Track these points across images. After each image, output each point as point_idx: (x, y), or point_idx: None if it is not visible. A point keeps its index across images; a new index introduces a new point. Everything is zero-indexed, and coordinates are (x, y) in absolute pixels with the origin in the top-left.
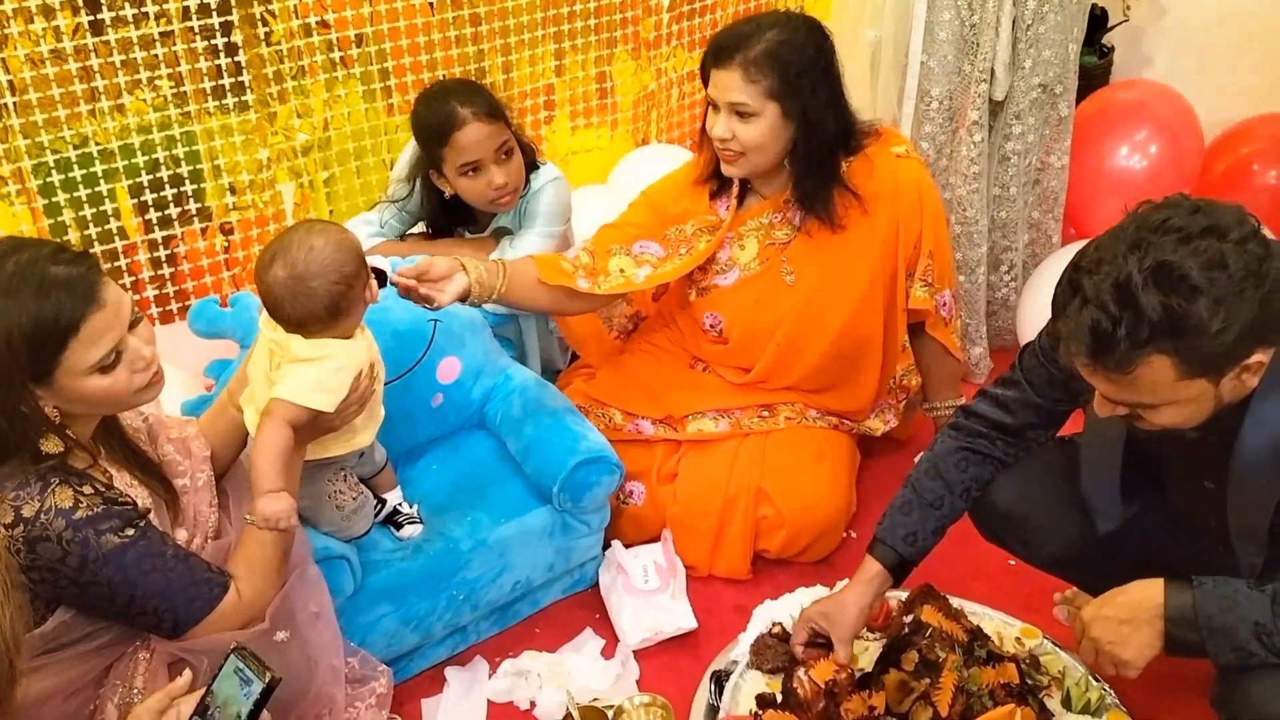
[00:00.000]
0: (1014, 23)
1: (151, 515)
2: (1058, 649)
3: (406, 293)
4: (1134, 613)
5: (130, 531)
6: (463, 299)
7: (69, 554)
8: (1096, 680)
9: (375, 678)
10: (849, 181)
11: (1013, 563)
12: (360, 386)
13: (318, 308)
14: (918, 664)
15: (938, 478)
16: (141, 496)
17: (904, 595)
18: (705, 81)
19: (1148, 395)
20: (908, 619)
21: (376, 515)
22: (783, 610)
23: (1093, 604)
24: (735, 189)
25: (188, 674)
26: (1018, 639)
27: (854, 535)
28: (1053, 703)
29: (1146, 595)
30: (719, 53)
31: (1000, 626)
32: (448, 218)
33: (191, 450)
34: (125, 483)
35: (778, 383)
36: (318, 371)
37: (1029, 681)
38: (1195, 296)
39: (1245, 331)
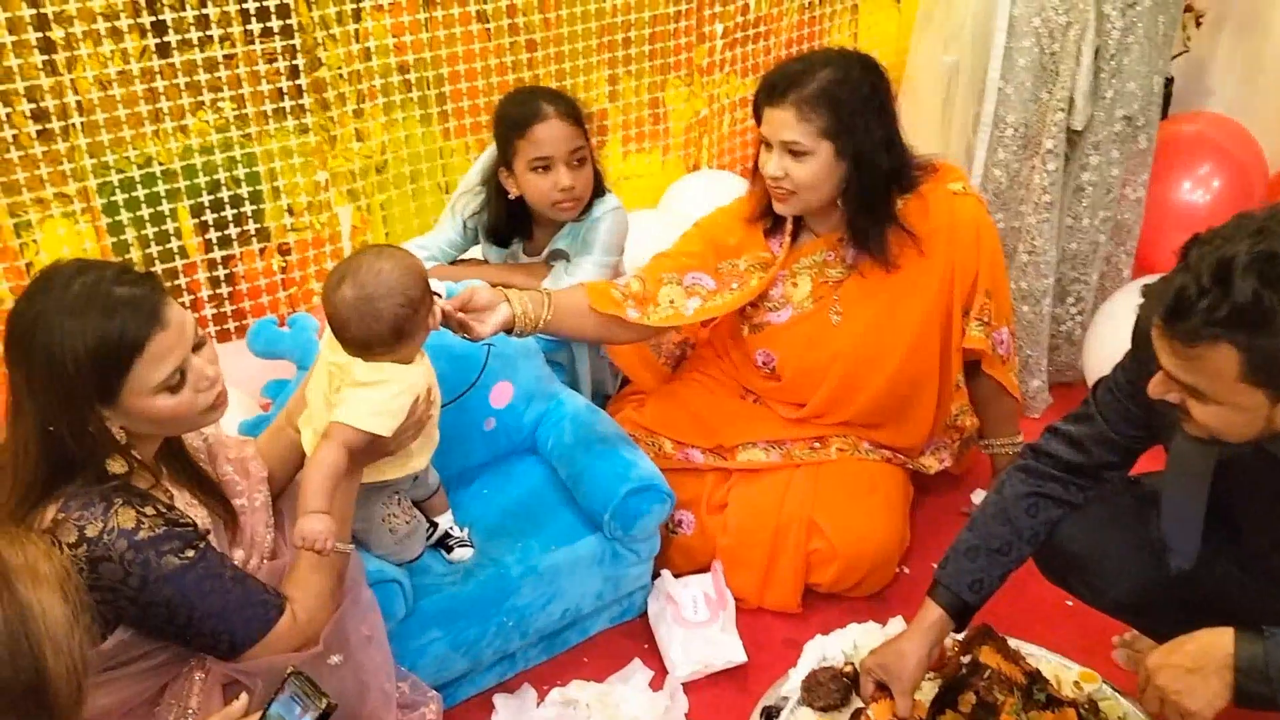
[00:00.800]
0: (1096, 52)
1: (210, 536)
2: (1117, 694)
3: (446, 321)
4: (1202, 661)
5: (190, 553)
6: (506, 330)
7: (130, 574)
8: None
9: (425, 703)
10: (904, 220)
11: (1070, 603)
12: (418, 411)
13: (383, 329)
14: (975, 706)
15: (1006, 523)
16: (201, 517)
17: (961, 635)
18: (758, 119)
19: (1205, 383)
20: (965, 659)
21: (429, 539)
22: (834, 645)
23: (1159, 651)
24: (789, 225)
25: (244, 698)
26: (1076, 683)
27: (907, 570)
28: None
29: (1216, 644)
30: (772, 91)
31: (1059, 669)
32: (508, 224)
33: (250, 470)
34: (186, 503)
35: (831, 419)
36: (377, 396)
37: None
38: None
39: None
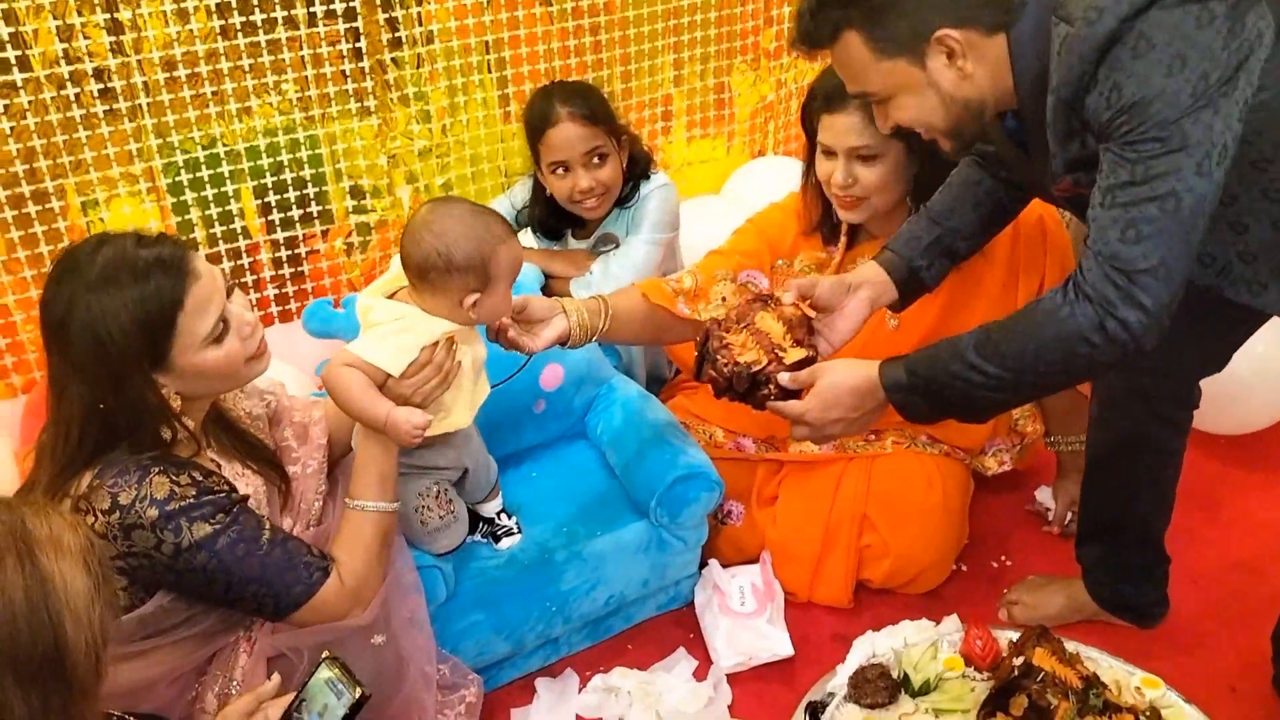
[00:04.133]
0: None
1: (252, 501)
2: (1181, 700)
3: (497, 335)
4: (861, 403)
5: (222, 517)
6: (561, 343)
7: (163, 541)
8: None
9: (466, 686)
10: None
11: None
12: (437, 358)
13: (435, 258)
14: (1027, 709)
15: (948, 189)
16: (252, 484)
17: (1015, 636)
18: (811, 128)
19: (862, 79)
20: (1018, 661)
21: (477, 531)
22: (884, 643)
23: (816, 409)
24: (845, 227)
25: (276, 678)
26: (1138, 688)
27: (964, 568)
28: None
29: (865, 384)
30: (831, 97)
31: (1120, 675)
32: (555, 217)
33: (309, 436)
34: (235, 472)
35: (888, 418)
36: (381, 331)
37: None
38: None
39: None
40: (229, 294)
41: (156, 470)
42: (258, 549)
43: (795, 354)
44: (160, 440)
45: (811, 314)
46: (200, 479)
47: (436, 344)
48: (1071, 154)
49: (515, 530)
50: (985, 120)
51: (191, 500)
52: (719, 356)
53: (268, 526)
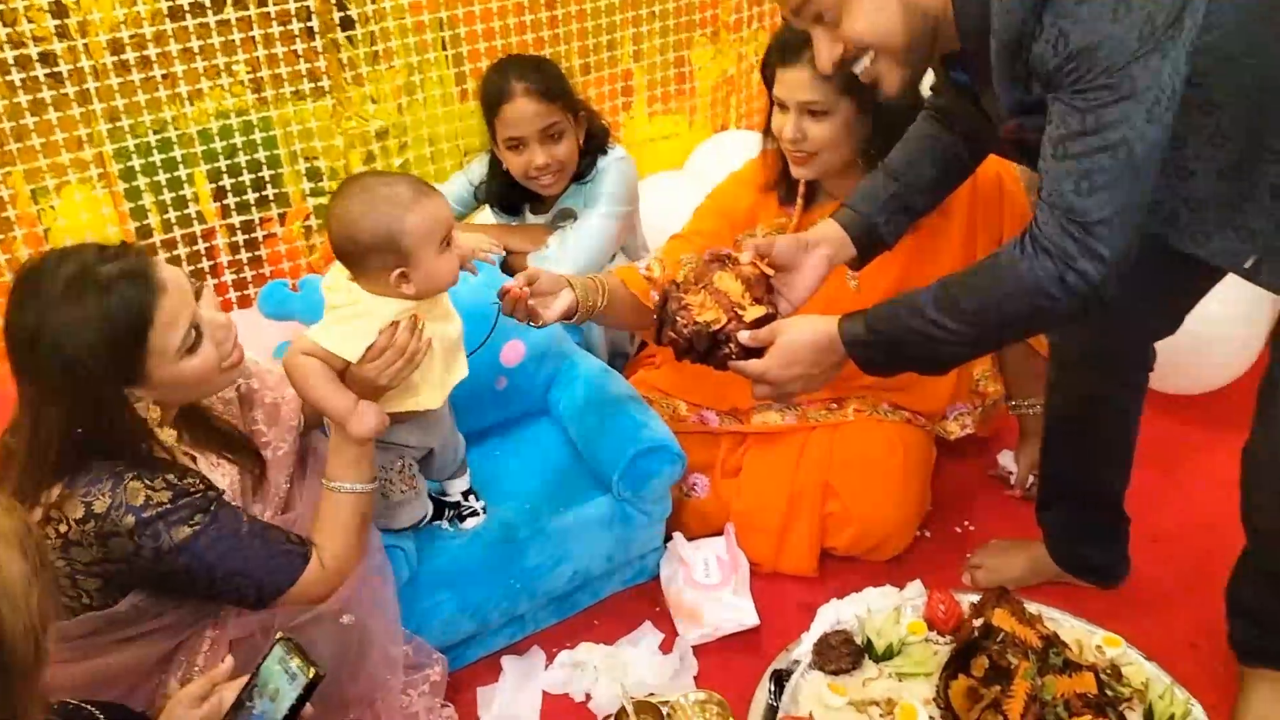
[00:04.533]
0: None
1: (228, 494)
2: (1142, 659)
3: (513, 308)
4: (821, 358)
5: (200, 518)
6: (568, 317)
7: (142, 547)
8: (1182, 694)
9: (430, 665)
10: None
11: None
12: (399, 340)
13: (345, 242)
14: (988, 669)
15: (904, 145)
16: (228, 474)
17: (975, 598)
18: (769, 81)
19: None
20: (978, 622)
21: (443, 514)
22: (849, 610)
23: (778, 365)
24: (802, 189)
25: (229, 660)
26: (1099, 647)
27: (929, 534)
28: (1134, 716)
29: (824, 340)
30: (785, 50)
31: (1081, 634)
32: (512, 193)
33: (280, 416)
34: (209, 464)
35: (852, 380)
36: (339, 314)
37: (1109, 693)
38: None
39: None
40: (197, 296)
41: (130, 476)
42: (238, 544)
43: (755, 312)
44: (138, 452)
45: (770, 272)
46: (175, 480)
47: (396, 325)
48: (1015, 98)
49: (480, 511)
50: (933, 52)
51: (168, 505)
52: (678, 318)
53: (245, 519)
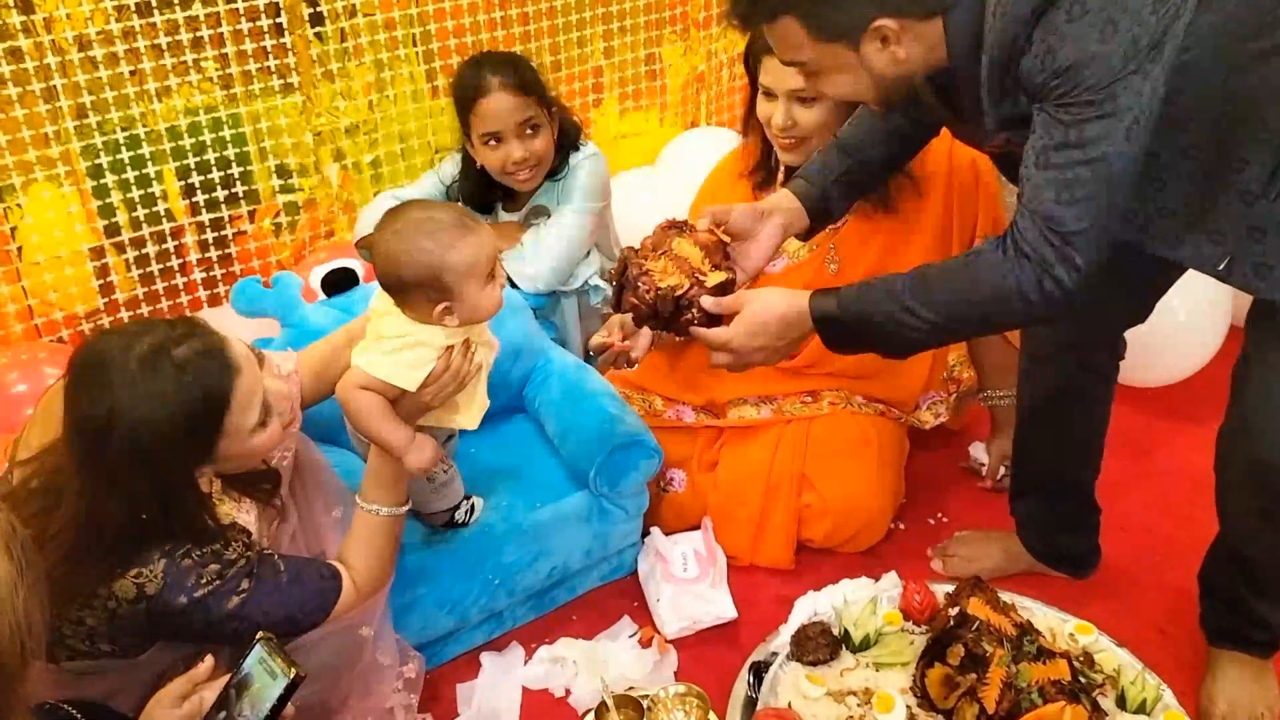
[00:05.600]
0: None
1: (255, 535)
2: (1113, 646)
3: (615, 359)
4: (788, 332)
5: (246, 584)
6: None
7: (193, 620)
8: (1153, 679)
9: (406, 662)
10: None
11: None
12: (454, 364)
13: (396, 277)
14: (964, 658)
15: (856, 122)
16: (251, 510)
17: (950, 588)
18: (754, 69)
19: (795, 53)
20: (954, 611)
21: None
22: (825, 601)
23: (742, 336)
24: (781, 175)
25: (209, 660)
26: (1071, 635)
27: (902, 526)
28: (1106, 701)
29: (793, 313)
30: None
31: (1054, 622)
32: (486, 191)
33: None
34: (235, 502)
35: (824, 368)
36: (393, 345)
37: (1081, 679)
38: None
39: None
40: (261, 366)
41: (181, 554)
42: (279, 596)
43: (716, 277)
44: (192, 526)
45: (726, 239)
46: (221, 550)
47: (451, 349)
48: (1004, 113)
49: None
50: (913, 90)
51: (217, 583)
52: (640, 284)
53: (282, 565)
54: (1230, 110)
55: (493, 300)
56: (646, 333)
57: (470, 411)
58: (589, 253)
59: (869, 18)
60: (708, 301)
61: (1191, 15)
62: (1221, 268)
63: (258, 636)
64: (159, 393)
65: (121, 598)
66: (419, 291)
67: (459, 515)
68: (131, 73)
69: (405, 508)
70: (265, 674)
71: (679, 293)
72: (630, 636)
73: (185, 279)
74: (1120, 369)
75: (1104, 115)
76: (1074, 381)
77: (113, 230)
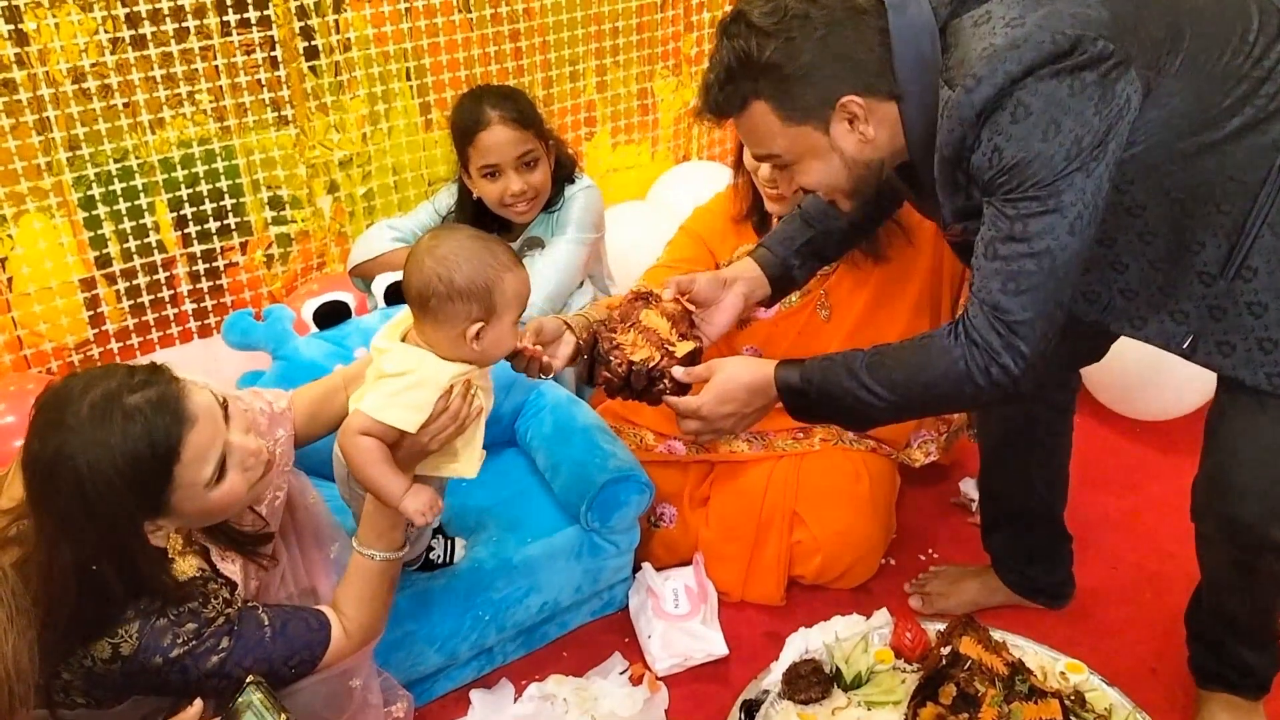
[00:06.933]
0: None
1: (240, 586)
2: (1104, 685)
3: (526, 365)
4: (755, 401)
5: (226, 642)
6: (572, 361)
7: (170, 680)
8: (1144, 718)
9: (395, 701)
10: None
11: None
12: (453, 406)
13: (441, 288)
14: (956, 698)
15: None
16: (236, 562)
17: (942, 627)
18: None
19: (768, 143)
20: (946, 650)
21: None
22: (817, 638)
23: (711, 403)
24: (775, 221)
25: (199, 703)
26: (1062, 674)
27: (893, 562)
28: None
29: (759, 382)
30: None
31: (1045, 661)
32: (481, 223)
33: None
34: (219, 553)
35: None
36: (394, 387)
37: (1073, 718)
38: (764, 38)
39: (816, 70)
40: (227, 419)
41: (155, 614)
42: (262, 651)
43: (684, 346)
44: (157, 584)
45: (691, 309)
46: (198, 608)
47: (451, 390)
48: (959, 205)
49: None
50: (882, 178)
51: (194, 642)
52: (611, 357)
53: (266, 620)
54: (1183, 197)
55: (512, 343)
56: (569, 341)
57: (469, 459)
58: (582, 283)
59: (837, 93)
60: (678, 371)
61: (1138, 113)
62: (1186, 346)
63: (248, 680)
64: (103, 440)
65: (97, 656)
66: (462, 304)
67: (434, 556)
68: (125, 104)
69: (402, 552)
70: (255, 718)
71: (651, 365)
72: (621, 673)
73: (176, 310)
74: (1113, 401)
75: (1048, 211)
76: (1033, 414)
77: (104, 261)
